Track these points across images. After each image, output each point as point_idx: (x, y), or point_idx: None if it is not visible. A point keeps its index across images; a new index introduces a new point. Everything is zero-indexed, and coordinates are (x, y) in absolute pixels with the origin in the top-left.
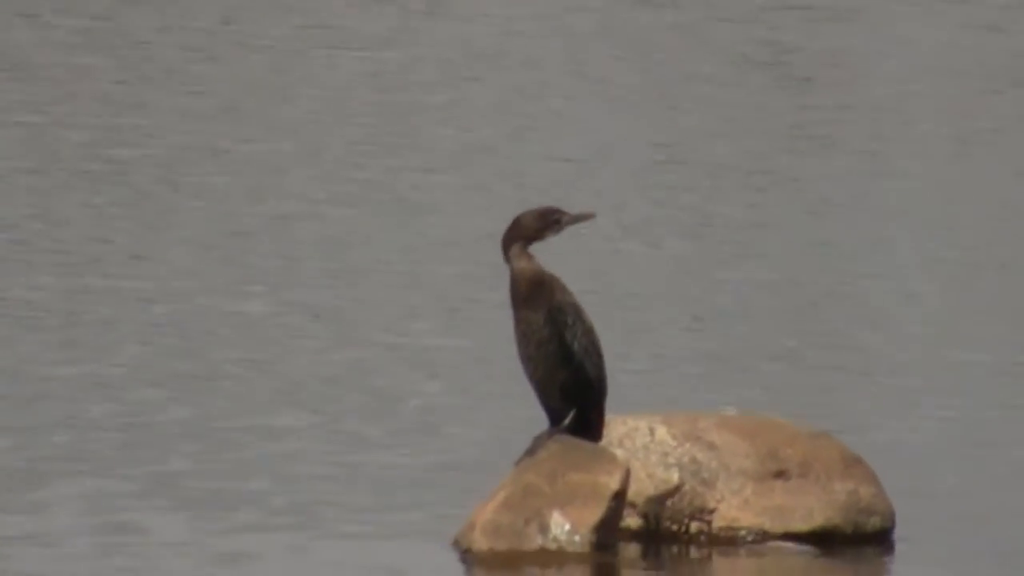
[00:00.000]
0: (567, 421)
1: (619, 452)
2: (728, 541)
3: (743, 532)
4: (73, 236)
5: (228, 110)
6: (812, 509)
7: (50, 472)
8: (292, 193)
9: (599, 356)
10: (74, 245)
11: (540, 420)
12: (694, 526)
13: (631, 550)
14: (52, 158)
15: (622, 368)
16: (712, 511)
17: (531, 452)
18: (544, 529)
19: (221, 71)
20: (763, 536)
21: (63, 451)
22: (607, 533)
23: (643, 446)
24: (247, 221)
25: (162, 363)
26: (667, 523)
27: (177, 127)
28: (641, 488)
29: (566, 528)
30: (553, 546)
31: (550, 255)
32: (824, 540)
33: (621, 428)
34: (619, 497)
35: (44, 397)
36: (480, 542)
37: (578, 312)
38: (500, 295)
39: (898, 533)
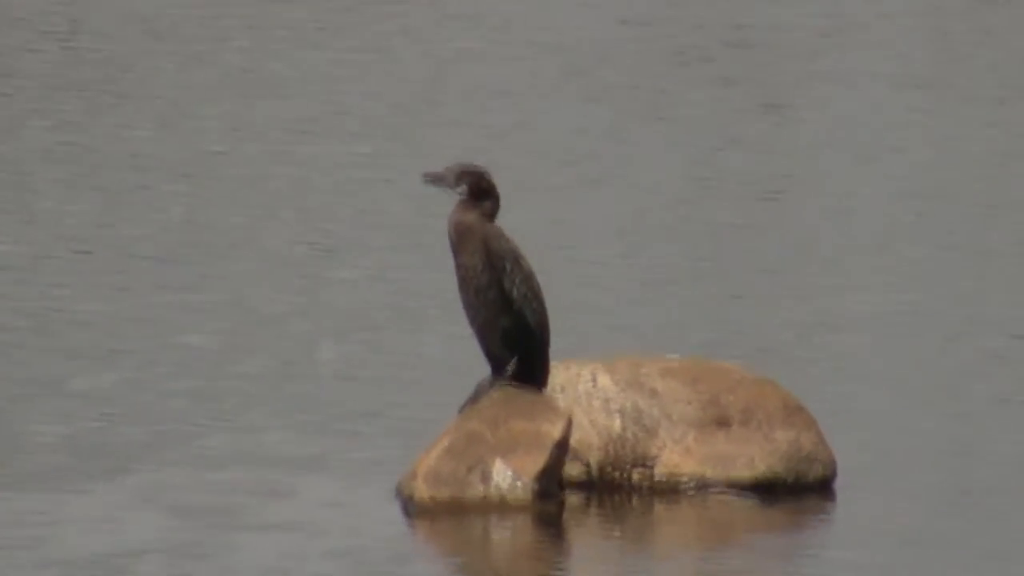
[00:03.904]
0: (510, 368)
1: (560, 398)
2: (670, 489)
3: (685, 480)
4: None
5: None
6: (754, 457)
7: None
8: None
9: (540, 303)
10: None
11: (483, 366)
12: (636, 474)
13: (573, 498)
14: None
15: (565, 315)
16: (654, 459)
17: (474, 399)
18: (486, 477)
19: None
20: (705, 484)
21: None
22: (549, 481)
23: (585, 393)
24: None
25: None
26: (609, 471)
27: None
28: (583, 436)
29: (508, 476)
30: (495, 494)
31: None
32: (766, 489)
33: (563, 374)
34: (561, 445)
35: None
36: (422, 490)
37: (516, 259)
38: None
39: (839, 482)
